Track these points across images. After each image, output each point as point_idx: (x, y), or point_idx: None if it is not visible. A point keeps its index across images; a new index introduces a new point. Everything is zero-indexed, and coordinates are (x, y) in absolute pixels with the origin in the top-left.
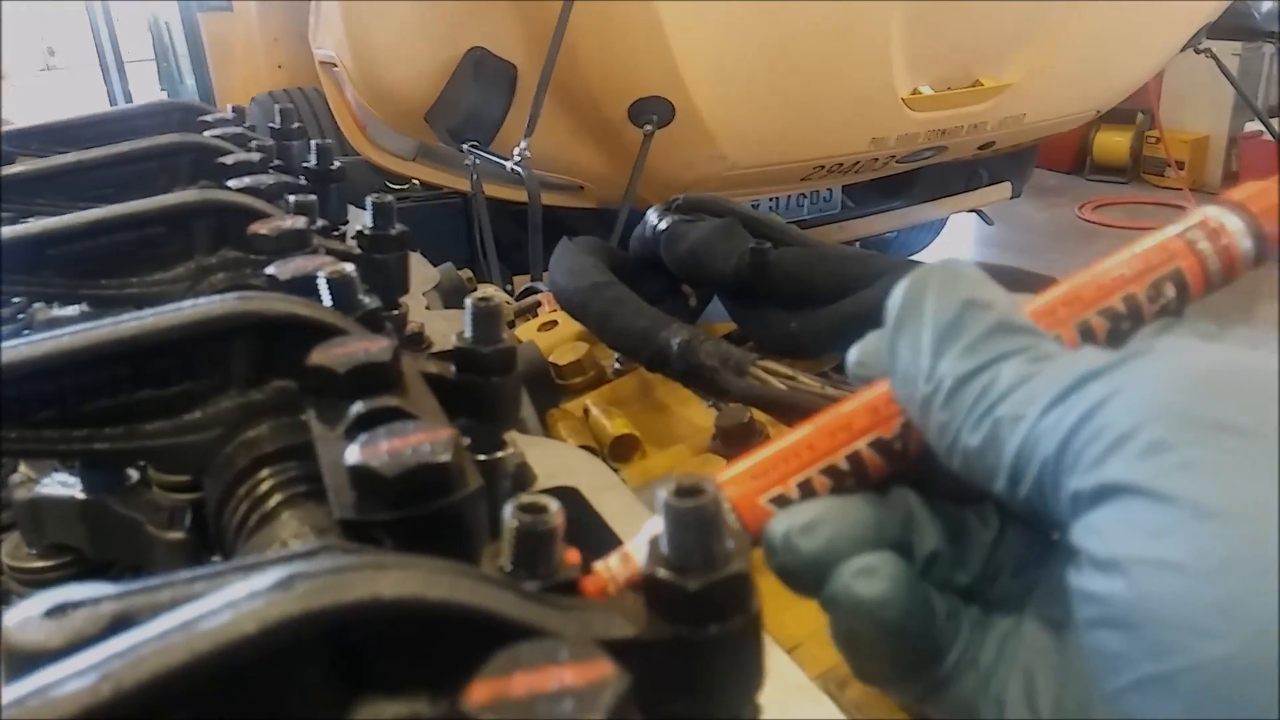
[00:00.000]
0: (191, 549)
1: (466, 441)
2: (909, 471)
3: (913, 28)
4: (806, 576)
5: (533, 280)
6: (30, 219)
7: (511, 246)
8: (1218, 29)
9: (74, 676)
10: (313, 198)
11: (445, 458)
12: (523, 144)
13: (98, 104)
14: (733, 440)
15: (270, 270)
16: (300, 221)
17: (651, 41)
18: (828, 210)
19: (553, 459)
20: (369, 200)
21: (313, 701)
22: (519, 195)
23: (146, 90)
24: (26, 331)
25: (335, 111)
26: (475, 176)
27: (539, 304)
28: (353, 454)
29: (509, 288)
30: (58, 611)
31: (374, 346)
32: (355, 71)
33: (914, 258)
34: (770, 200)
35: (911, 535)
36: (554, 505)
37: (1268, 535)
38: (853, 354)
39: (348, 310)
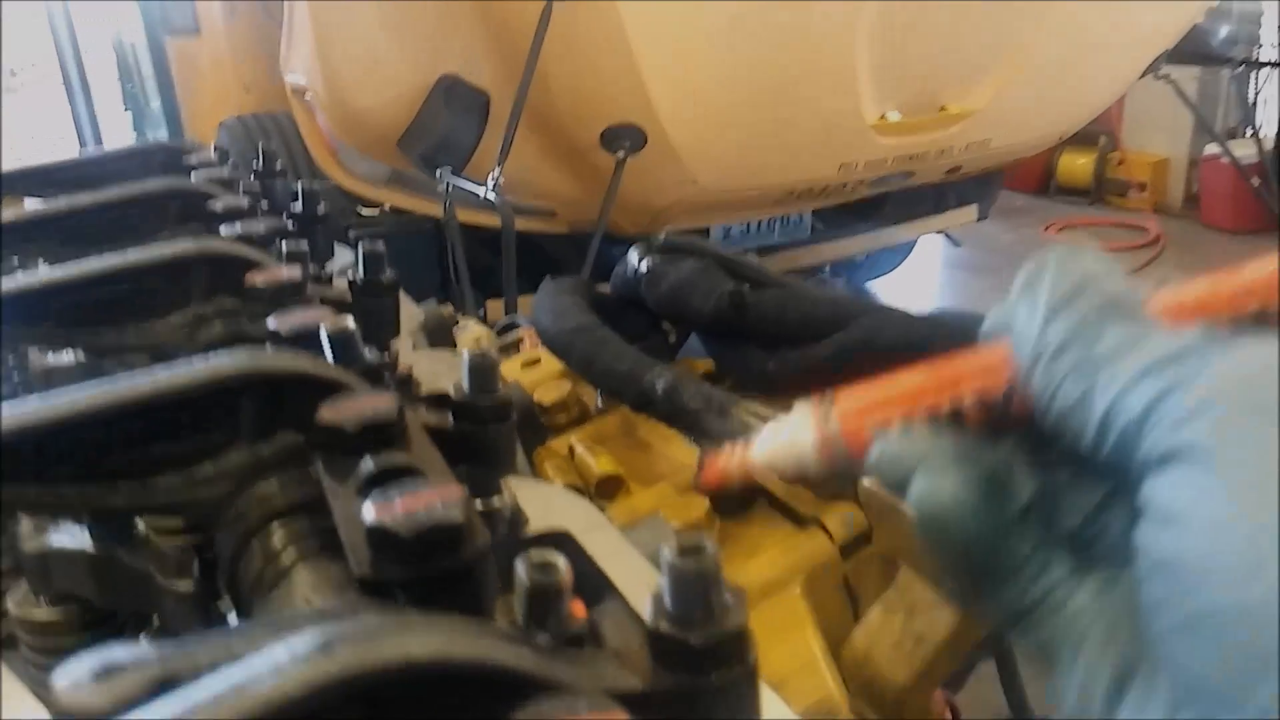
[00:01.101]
0: (199, 598)
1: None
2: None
3: (879, 55)
4: (896, 480)
5: (507, 309)
6: (16, 263)
7: (483, 271)
8: (1177, 54)
9: None
10: (304, 245)
11: (458, 516)
12: (496, 172)
13: (60, 125)
14: None
15: (271, 323)
16: (295, 271)
17: (622, 69)
18: (798, 234)
19: (542, 501)
20: (360, 247)
21: None
22: (491, 220)
23: (111, 111)
24: (18, 381)
25: (306, 137)
26: (448, 203)
27: (521, 340)
28: (369, 513)
29: (482, 312)
30: (105, 673)
31: (380, 403)
32: (327, 98)
33: (883, 278)
34: (741, 224)
35: (1010, 477)
36: (563, 562)
37: None
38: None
39: (349, 364)
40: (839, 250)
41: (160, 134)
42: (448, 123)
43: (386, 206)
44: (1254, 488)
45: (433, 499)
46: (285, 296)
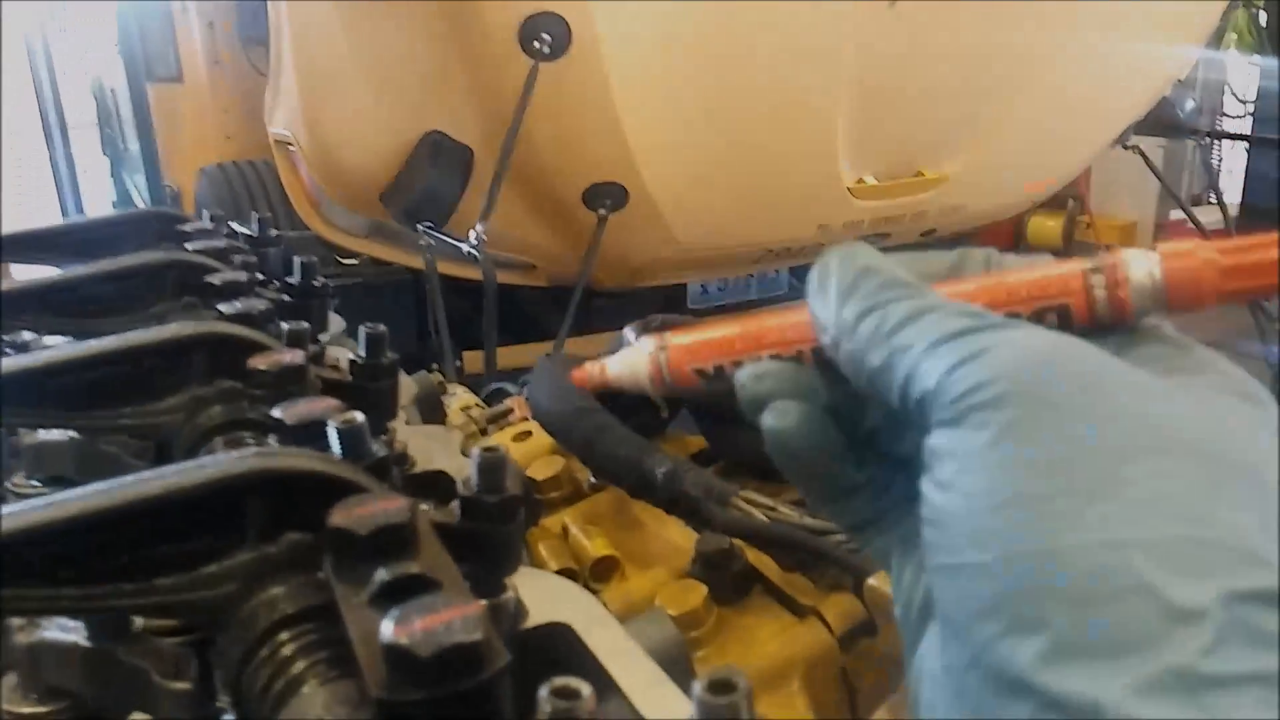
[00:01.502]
0: (197, 699)
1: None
2: None
3: (857, 120)
4: (752, 411)
5: (487, 365)
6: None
7: (461, 321)
8: (1144, 126)
9: None
10: (305, 325)
11: (478, 636)
12: (479, 228)
13: (37, 168)
14: (713, 565)
15: (276, 413)
16: (298, 355)
17: (607, 129)
18: (774, 290)
19: (540, 591)
20: (362, 331)
21: None
22: (470, 273)
23: (88, 155)
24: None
25: (288, 188)
26: (430, 257)
27: (510, 410)
28: (387, 632)
29: (458, 364)
30: None
31: (392, 507)
32: (311, 152)
33: None
34: (719, 280)
35: (852, 407)
36: (586, 690)
37: (1041, 490)
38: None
39: (358, 459)
40: None
41: (138, 179)
42: (431, 178)
43: (365, 257)
44: (1007, 467)
45: (452, 616)
46: (288, 381)
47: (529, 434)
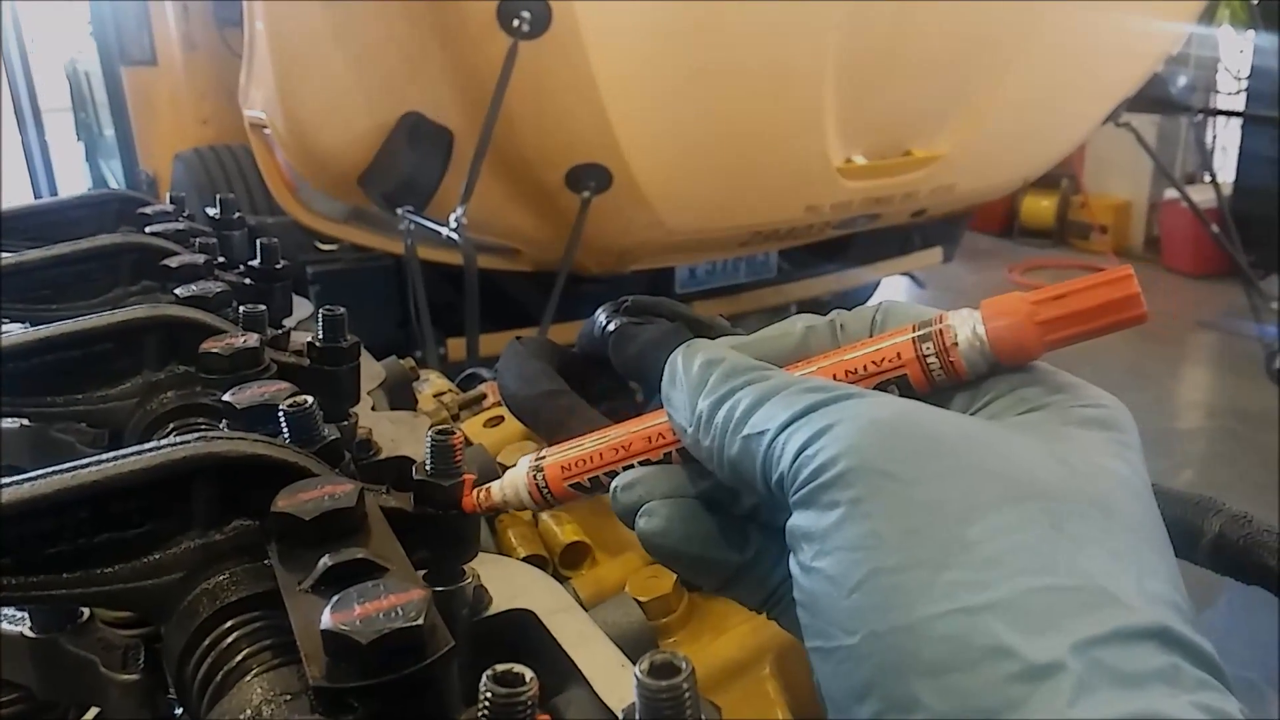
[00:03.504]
0: (146, 690)
1: (424, 573)
2: None
3: (845, 99)
4: (627, 519)
5: (469, 350)
6: None
7: (444, 308)
8: (1137, 102)
9: None
10: (261, 308)
11: (419, 621)
12: (459, 211)
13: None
14: None
15: (227, 397)
16: (252, 339)
17: (588, 109)
18: (764, 274)
19: (505, 578)
20: (320, 313)
21: None
22: (452, 258)
23: (62, 139)
24: None
25: (265, 173)
26: (410, 242)
27: (484, 395)
28: (326, 619)
29: (442, 351)
30: None
31: (339, 490)
32: (287, 134)
33: None
34: (707, 264)
35: (725, 493)
36: (529, 674)
37: (892, 564)
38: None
39: (307, 444)
40: (804, 290)
41: (114, 164)
42: (410, 161)
43: (345, 242)
44: (856, 548)
45: (393, 602)
46: (242, 365)
47: (501, 419)
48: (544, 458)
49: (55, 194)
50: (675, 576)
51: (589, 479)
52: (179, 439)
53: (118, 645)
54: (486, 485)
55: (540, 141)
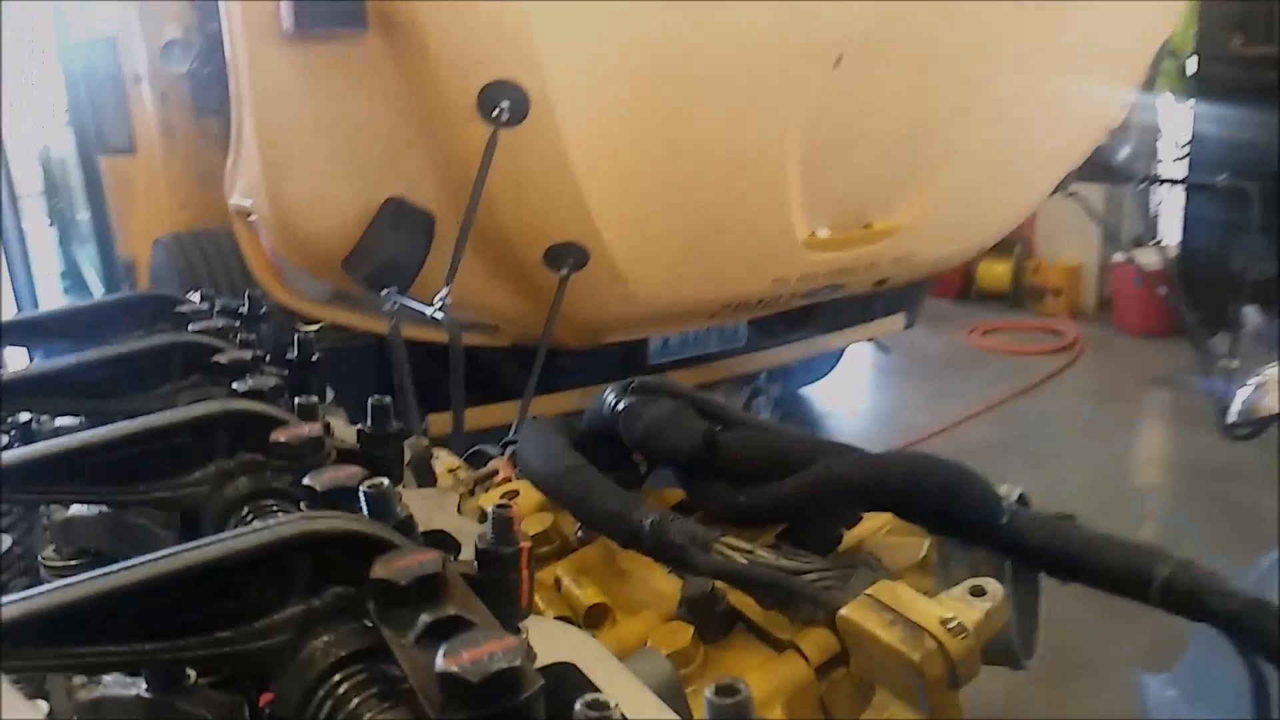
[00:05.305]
0: None
1: None
2: None
3: (808, 176)
4: None
5: (455, 427)
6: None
7: (424, 385)
8: (1084, 172)
9: None
10: (315, 400)
11: (517, 662)
12: (444, 291)
13: None
14: (698, 607)
15: (307, 481)
16: (316, 428)
17: (565, 191)
18: (733, 343)
19: (543, 635)
20: (370, 402)
21: None
22: (433, 335)
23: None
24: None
25: (249, 257)
26: (395, 323)
27: (496, 471)
28: (440, 663)
29: (424, 427)
30: None
31: (425, 559)
32: (273, 220)
33: (815, 385)
34: (679, 335)
35: None
36: (613, 702)
37: None
38: None
39: (385, 519)
40: (773, 358)
41: (89, 249)
42: (394, 244)
43: (327, 323)
44: None
45: (494, 648)
46: (308, 452)
47: (516, 493)
48: None
49: (31, 281)
50: (692, 630)
51: None
52: (283, 518)
53: (222, 702)
54: None
55: (519, 222)
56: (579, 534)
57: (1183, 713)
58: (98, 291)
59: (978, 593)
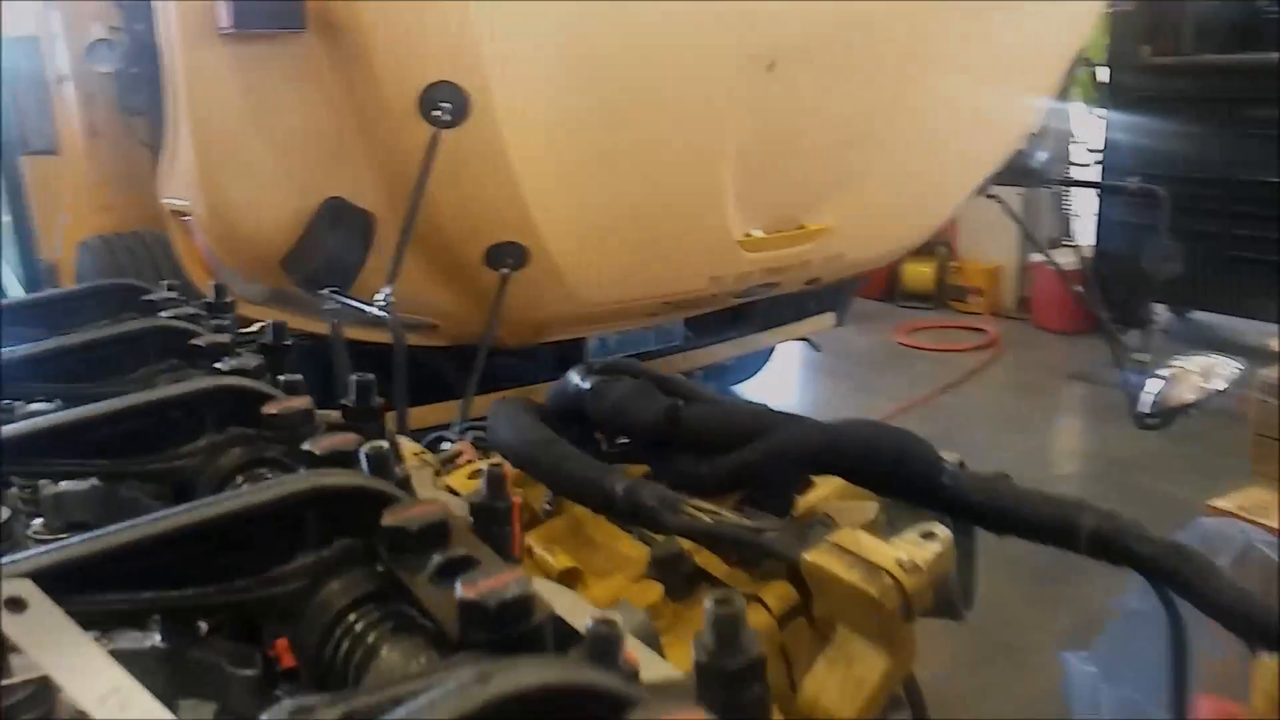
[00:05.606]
0: (259, 683)
1: None
2: None
3: (743, 177)
4: None
5: (400, 424)
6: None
7: None
8: (1003, 176)
9: None
10: (300, 377)
11: (529, 591)
12: (387, 290)
13: None
14: (666, 569)
15: (307, 446)
16: (305, 401)
17: (506, 191)
18: (670, 341)
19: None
20: (352, 379)
21: None
22: (372, 335)
23: None
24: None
25: (183, 257)
26: (336, 322)
27: (460, 452)
28: (460, 592)
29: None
30: (301, 713)
31: (431, 508)
32: (209, 221)
33: (748, 382)
34: (618, 334)
35: None
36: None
37: None
38: None
39: (387, 477)
40: (709, 356)
41: (11, 252)
42: (333, 244)
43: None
44: None
45: (504, 580)
46: (300, 424)
47: (480, 472)
48: None
49: None
50: (662, 589)
51: None
52: (289, 476)
53: (235, 650)
54: None
55: (459, 222)
56: (547, 506)
57: (1100, 688)
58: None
59: (928, 536)
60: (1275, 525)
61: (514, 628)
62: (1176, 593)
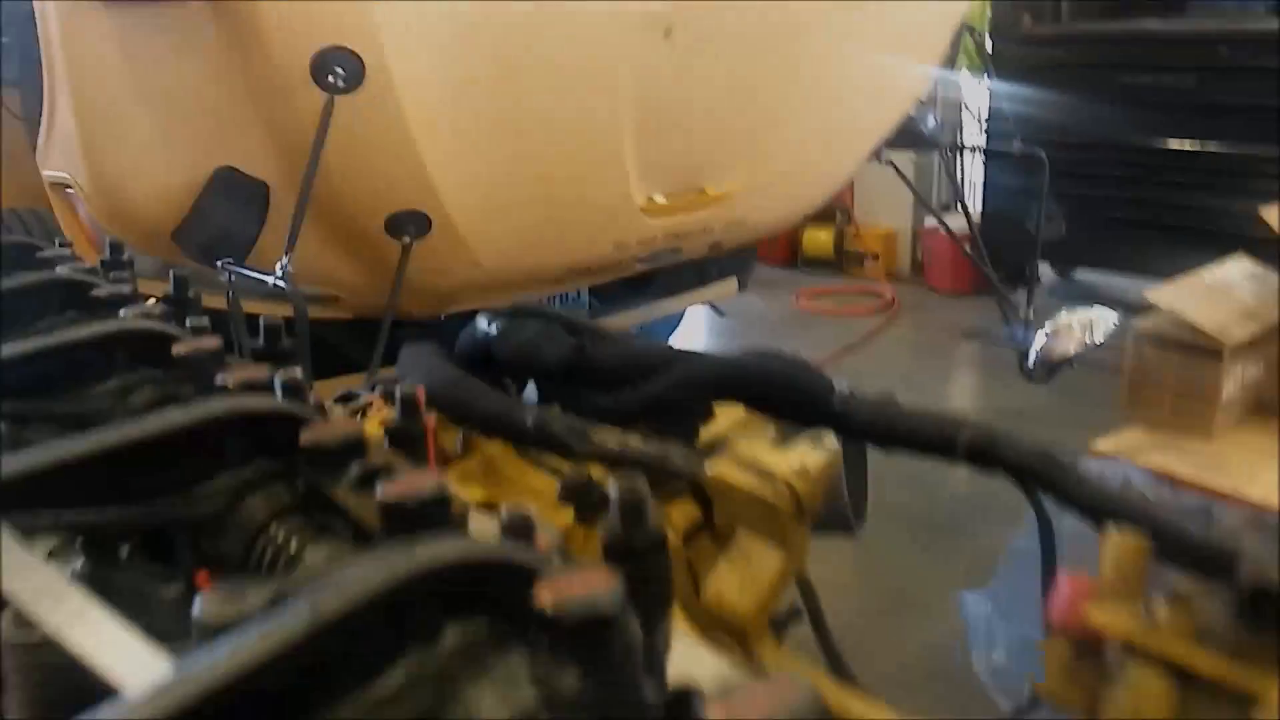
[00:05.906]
0: (183, 598)
1: None
2: None
3: (643, 143)
4: None
5: None
6: None
7: (259, 359)
8: (895, 140)
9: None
10: (206, 321)
11: (448, 491)
12: (285, 260)
13: None
14: (576, 496)
15: (220, 380)
16: (214, 341)
17: (405, 158)
18: (575, 308)
19: None
20: (261, 321)
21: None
22: (270, 308)
23: None
24: None
25: (68, 233)
26: (232, 294)
27: (370, 404)
28: (380, 492)
29: None
30: (235, 591)
31: (347, 427)
32: (94, 193)
33: None
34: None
35: None
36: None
37: None
38: None
39: (303, 403)
40: (615, 324)
41: None
42: (226, 215)
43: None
44: None
45: (425, 481)
46: (210, 363)
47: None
48: None
49: None
50: (573, 514)
51: None
52: (210, 398)
53: (160, 570)
54: None
55: (358, 191)
56: (458, 449)
57: (996, 624)
58: None
59: (817, 445)
60: (1150, 464)
61: (435, 524)
62: (1044, 491)
